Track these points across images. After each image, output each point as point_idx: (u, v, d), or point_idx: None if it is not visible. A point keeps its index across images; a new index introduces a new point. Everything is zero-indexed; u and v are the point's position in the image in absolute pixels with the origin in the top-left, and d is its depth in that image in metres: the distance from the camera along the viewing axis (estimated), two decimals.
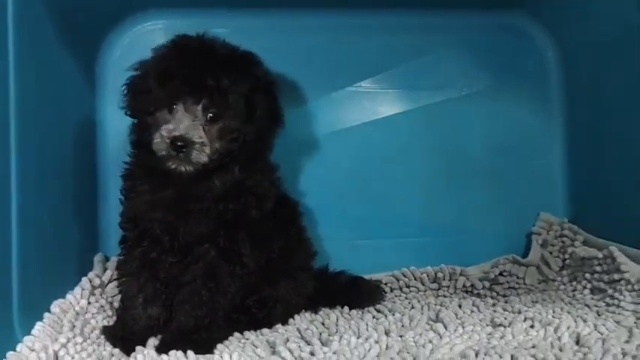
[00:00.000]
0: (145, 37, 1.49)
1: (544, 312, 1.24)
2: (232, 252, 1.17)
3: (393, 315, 1.29)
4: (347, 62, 1.60)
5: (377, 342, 1.10)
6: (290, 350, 1.07)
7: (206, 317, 1.15)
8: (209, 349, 1.11)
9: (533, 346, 1.06)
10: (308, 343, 1.12)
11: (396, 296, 1.48)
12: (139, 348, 1.10)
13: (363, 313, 1.33)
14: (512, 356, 1.00)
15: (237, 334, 1.20)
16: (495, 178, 1.63)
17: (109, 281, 1.33)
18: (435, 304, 1.37)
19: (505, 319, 1.22)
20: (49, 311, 1.15)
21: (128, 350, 1.11)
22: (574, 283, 1.44)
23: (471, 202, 1.62)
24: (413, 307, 1.35)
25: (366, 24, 1.59)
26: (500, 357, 1.00)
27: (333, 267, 1.48)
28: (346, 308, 1.35)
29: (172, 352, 1.06)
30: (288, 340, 1.14)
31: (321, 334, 1.18)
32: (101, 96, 1.50)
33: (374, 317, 1.29)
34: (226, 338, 1.18)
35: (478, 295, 1.48)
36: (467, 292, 1.51)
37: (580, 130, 1.59)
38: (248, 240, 1.19)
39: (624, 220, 1.41)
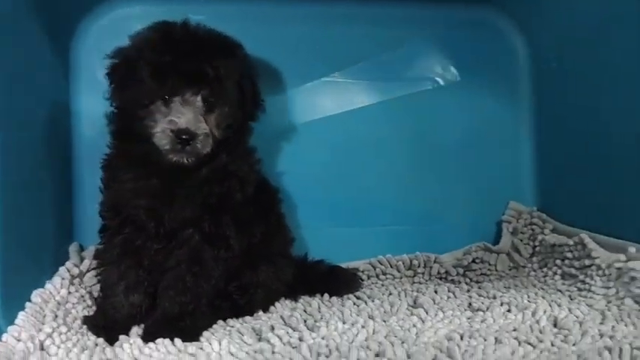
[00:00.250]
0: (120, 23, 1.45)
1: (519, 297, 1.29)
2: (217, 236, 1.17)
3: (373, 301, 1.31)
4: (323, 53, 1.60)
5: (364, 327, 1.12)
6: (279, 337, 1.08)
7: (190, 303, 1.14)
8: (195, 337, 1.11)
9: (514, 329, 1.10)
10: (294, 330, 1.13)
11: (373, 283, 1.50)
12: (123, 337, 1.10)
13: (343, 300, 1.35)
14: (496, 339, 1.03)
15: (220, 322, 1.20)
16: (467, 169, 1.67)
17: (87, 270, 1.31)
18: (412, 291, 1.40)
19: (482, 303, 1.27)
20: (29, 301, 1.12)
21: (111, 339, 1.10)
22: (544, 269, 1.49)
23: (443, 191, 1.66)
24: (390, 294, 1.38)
25: (345, 14, 1.60)
26: (485, 339, 1.03)
27: (310, 254, 1.49)
28: (326, 295, 1.37)
29: (159, 340, 1.06)
30: (273, 327, 1.15)
31: (305, 320, 1.19)
32: (76, 83, 1.46)
33: (354, 304, 1.31)
34: (211, 326, 1.18)
35: (452, 282, 1.52)
36: (441, 278, 1.54)
37: (548, 122, 1.64)
38: (233, 223, 1.19)
39: (590, 209, 1.46)
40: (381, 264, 1.54)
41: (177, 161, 1.10)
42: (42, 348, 1.00)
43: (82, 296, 1.24)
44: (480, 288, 1.43)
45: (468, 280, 1.53)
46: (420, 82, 1.66)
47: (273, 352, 1.01)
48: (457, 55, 1.67)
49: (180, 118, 1.09)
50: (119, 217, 1.17)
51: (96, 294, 1.28)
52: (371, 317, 1.19)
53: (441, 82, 1.66)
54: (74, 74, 1.46)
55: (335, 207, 1.61)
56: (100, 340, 1.10)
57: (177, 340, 1.06)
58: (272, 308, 1.30)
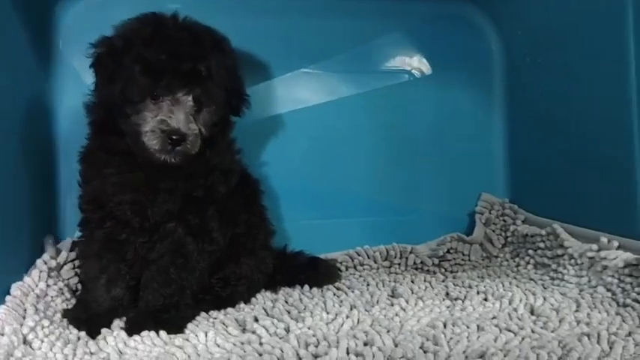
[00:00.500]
0: (99, 8, 1.44)
1: (494, 286, 1.33)
2: (201, 228, 1.17)
3: (353, 292, 1.32)
4: (301, 45, 1.61)
5: (348, 317, 1.13)
6: (265, 327, 1.09)
7: (174, 295, 1.14)
8: (179, 329, 1.10)
9: (494, 317, 1.13)
10: (279, 320, 1.14)
11: (351, 274, 1.51)
12: (106, 330, 1.09)
13: (323, 291, 1.36)
14: (478, 326, 1.06)
15: (203, 314, 1.20)
16: (441, 161, 1.70)
17: (64, 263, 1.28)
18: (390, 281, 1.42)
19: (460, 292, 1.30)
20: (8, 294, 1.10)
21: (93, 333, 1.09)
22: (517, 259, 1.54)
23: (418, 183, 1.69)
24: (369, 284, 1.40)
25: (323, 7, 1.61)
26: (468, 327, 1.06)
27: (289, 246, 1.50)
28: (306, 287, 1.38)
29: (145, 333, 1.06)
30: (257, 318, 1.15)
31: (289, 312, 1.20)
32: (54, 71, 1.43)
33: (335, 295, 1.32)
34: (194, 318, 1.17)
35: (428, 272, 1.55)
36: (417, 268, 1.57)
37: (520, 115, 1.68)
38: (216, 216, 1.19)
39: (562, 200, 1.50)
40: (359, 255, 1.57)
41: (165, 160, 1.09)
42: (25, 342, 0.98)
43: (61, 289, 1.22)
44: (455, 278, 1.47)
45: (442, 270, 1.56)
46: (395, 75, 1.68)
47: (260, 343, 1.01)
48: (432, 48, 1.70)
49: (172, 119, 1.07)
50: (101, 210, 1.15)
51: (74, 287, 1.27)
52: (354, 307, 1.20)
53: (417, 75, 1.69)
54: (53, 61, 1.43)
55: (312, 198, 1.62)
56: (82, 333, 1.08)
57: (162, 333, 1.06)
58: (253, 300, 1.30)
